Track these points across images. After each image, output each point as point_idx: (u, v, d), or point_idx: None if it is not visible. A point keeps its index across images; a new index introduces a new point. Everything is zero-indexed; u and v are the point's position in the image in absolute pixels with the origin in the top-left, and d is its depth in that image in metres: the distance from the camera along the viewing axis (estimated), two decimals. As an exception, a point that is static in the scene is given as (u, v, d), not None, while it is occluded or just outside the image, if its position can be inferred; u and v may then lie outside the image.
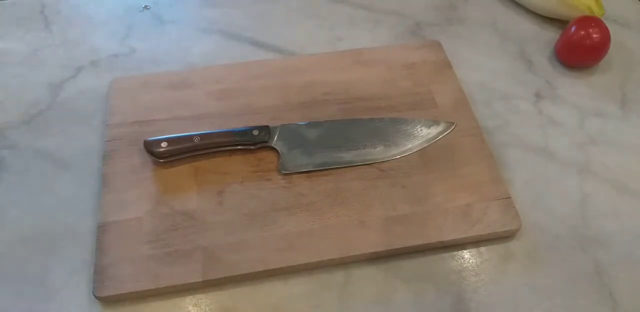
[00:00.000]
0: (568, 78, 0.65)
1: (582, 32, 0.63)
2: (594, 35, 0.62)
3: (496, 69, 0.66)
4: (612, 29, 0.63)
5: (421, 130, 0.56)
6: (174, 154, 0.52)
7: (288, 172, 0.53)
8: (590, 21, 0.64)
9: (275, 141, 0.54)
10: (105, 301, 0.47)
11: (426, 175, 0.54)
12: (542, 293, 0.49)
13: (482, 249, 0.51)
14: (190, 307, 0.47)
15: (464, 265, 0.50)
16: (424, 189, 0.53)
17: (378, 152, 0.55)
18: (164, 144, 0.52)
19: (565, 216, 0.54)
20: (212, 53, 0.66)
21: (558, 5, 0.68)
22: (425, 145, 0.56)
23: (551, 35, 0.69)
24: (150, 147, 0.52)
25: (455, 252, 0.51)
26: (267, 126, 0.55)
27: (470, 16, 0.71)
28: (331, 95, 0.60)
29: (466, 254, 0.51)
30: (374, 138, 0.56)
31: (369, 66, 0.63)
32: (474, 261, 0.51)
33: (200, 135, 0.53)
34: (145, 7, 0.71)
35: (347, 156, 0.54)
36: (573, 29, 0.64)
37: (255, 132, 0.54)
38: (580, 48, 0.64)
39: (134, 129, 0.56)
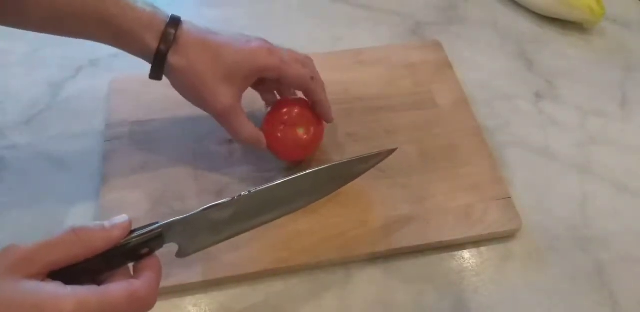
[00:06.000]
0: (568, 77, 0.65)
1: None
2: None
3: (496, 69, 0.66)
4: (612, 29, 0.63)
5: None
6: None
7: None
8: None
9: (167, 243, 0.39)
10: (105, 301, 0.47)
11: (426, 175, 0.54)
12: (543, 293, 0.49)
13: (483, 249, 0.51)
14: (190, 307, 0.47)
15: (464, 265, 0.50)
16: (424, 189, 0.53)
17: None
18: None
19: (566, 215, 0.53)
20: (212, 53, 0.66)
21: (558, 5, 0.68)
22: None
23: (551, 35, 0.69)
24: None
25: (456, 252, 0.51)
26: (161, 234, 0.37)
27: (470, 16, 0.71)
28: (331, 95, 0.59)
29: (466, 254, 0.51)
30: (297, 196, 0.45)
31: (369, 66, 0.63)
32: (474, 261, 0.50)
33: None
34: (145, 6, 0.70)
35: (268, 217, 0.44)
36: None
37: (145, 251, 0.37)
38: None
39: (134, 129, 0.56)
